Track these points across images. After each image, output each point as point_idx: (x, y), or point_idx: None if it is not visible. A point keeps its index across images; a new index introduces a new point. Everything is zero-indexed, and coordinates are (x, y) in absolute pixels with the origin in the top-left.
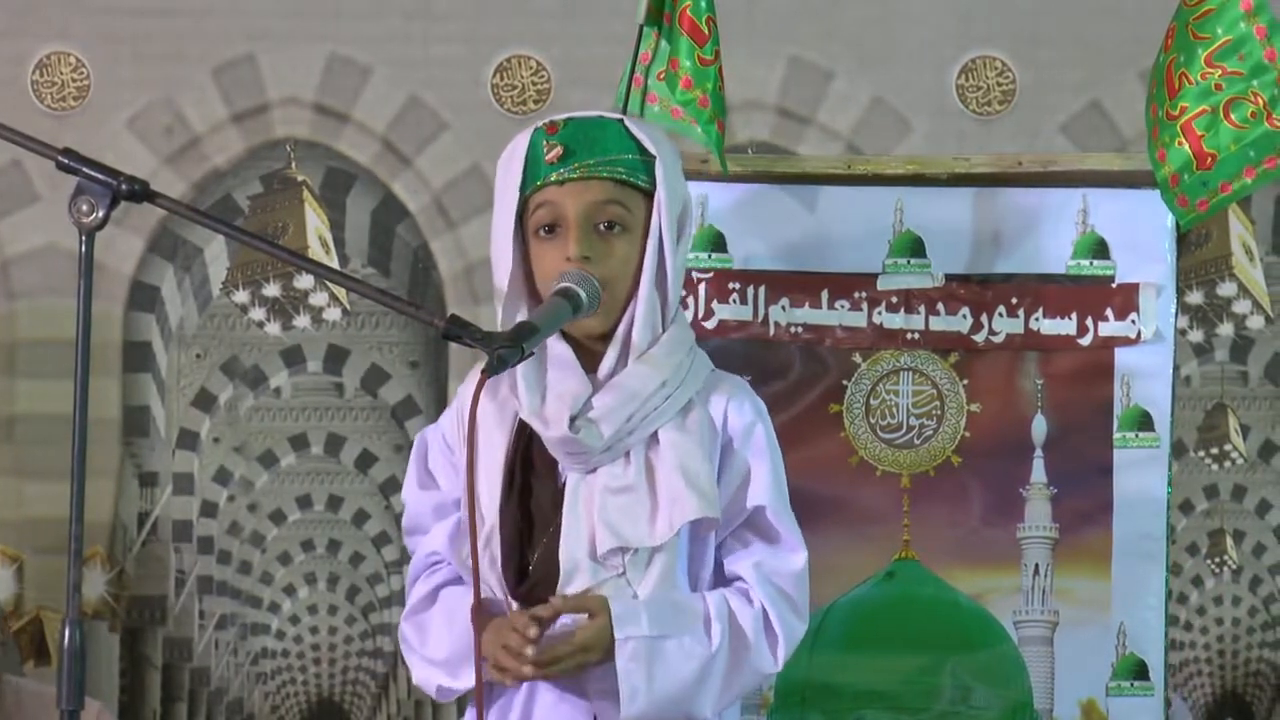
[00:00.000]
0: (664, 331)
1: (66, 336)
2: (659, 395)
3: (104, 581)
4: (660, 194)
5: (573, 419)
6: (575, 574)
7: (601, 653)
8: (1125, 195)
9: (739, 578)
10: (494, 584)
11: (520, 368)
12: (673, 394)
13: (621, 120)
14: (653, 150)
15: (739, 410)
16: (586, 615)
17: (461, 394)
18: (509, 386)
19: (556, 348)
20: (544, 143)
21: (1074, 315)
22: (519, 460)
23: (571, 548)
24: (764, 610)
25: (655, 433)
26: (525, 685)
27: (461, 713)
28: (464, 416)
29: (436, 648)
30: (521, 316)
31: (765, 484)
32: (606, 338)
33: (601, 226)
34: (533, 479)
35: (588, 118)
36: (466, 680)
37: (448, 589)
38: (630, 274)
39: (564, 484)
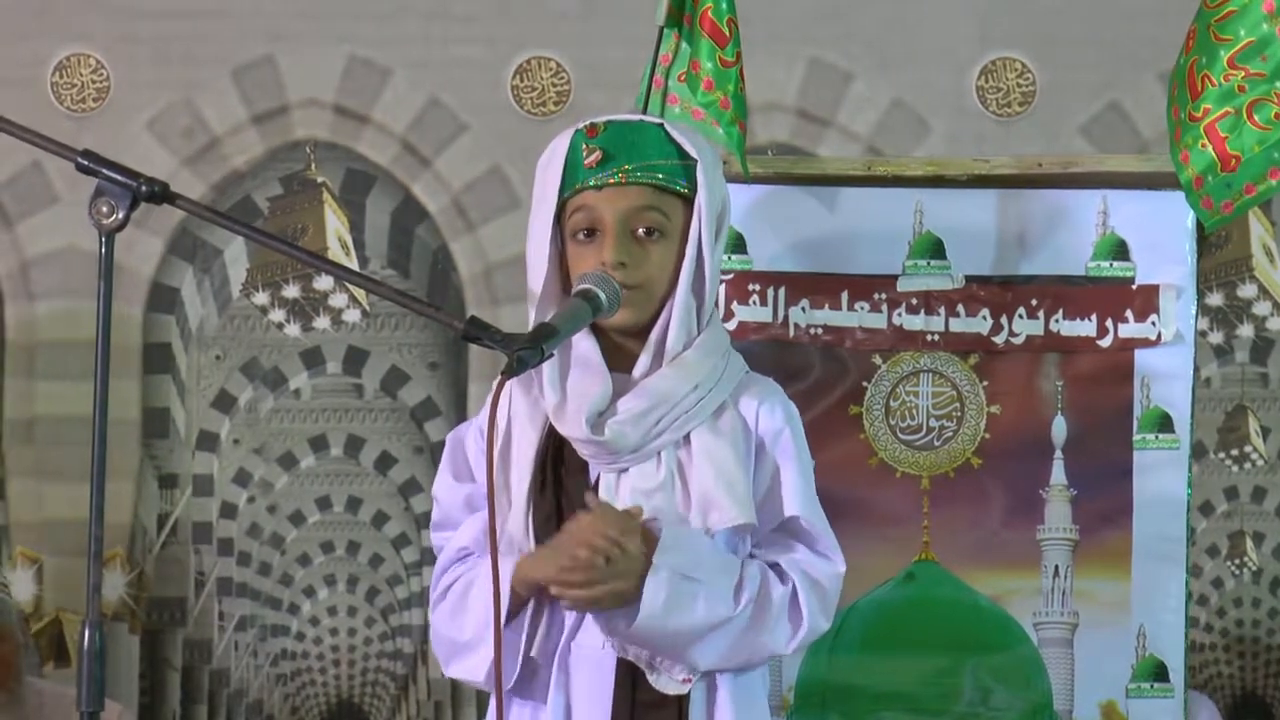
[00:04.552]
0: (699, 334)
1: (86, 338)
2: (690, 399)
3: (124, 583)
4: (700, 199)
5: (598, 417)
6: None
7: (635, 579)
8: (1145, 197)
9: (777, 564)
10: None
11: (545, 367)
12: (705, 397)
13: (662, 125)
14: (693, 155)
15: (770, 414)
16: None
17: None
18: (539, 385)
19: (581, 346)
20: (583, 146)
21: (1094, 317)
22: (551, 457)
23: None
24: (795, 590)
25: (687, 434)
26: (558, 687)
27: (483, 713)
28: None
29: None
30: None
31: (795, 493)
32: (641, 335)
33: (640, 232)
34: (564, 476)
35: (628, 121)
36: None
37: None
38: (666, 278)
39: (596, 482)
